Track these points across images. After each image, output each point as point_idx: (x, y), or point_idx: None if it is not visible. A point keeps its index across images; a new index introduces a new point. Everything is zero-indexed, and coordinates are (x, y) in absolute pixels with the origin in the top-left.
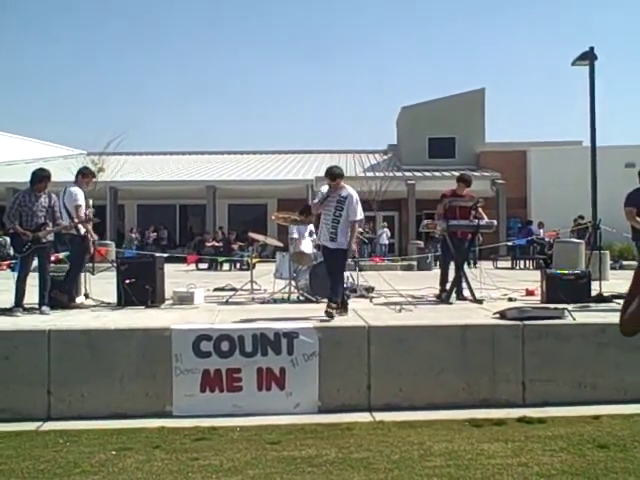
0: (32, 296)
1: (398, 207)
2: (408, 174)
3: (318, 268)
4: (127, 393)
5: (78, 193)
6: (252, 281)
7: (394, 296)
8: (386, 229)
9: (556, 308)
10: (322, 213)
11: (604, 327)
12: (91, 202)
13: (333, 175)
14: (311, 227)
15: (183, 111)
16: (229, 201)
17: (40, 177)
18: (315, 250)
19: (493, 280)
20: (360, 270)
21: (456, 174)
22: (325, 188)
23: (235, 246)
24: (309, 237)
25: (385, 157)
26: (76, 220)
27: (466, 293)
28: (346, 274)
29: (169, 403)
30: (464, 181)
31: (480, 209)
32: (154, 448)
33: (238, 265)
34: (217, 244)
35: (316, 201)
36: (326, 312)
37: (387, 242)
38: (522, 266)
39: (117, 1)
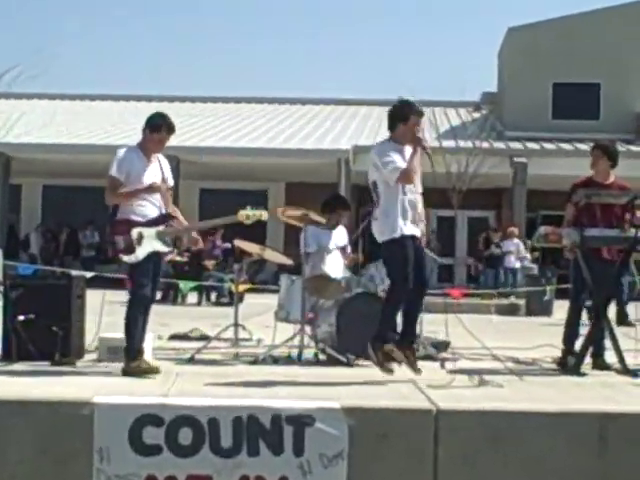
0: None
1: (496, 203)
2: (516, 146)
3: (352, 305)
4: None
5: None
6: (237, 324)
7: (484, 359)
8: (517, 243)
9: None
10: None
11: None
12: None
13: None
14: (341, 233)
15: (128, 31)
16: (201, 184)
17: None
18: (348, 274)
19: None
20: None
21: None
22: (394, 152)
23: (209, 263)
24: (337, 251)
25: (476, 115)
26: None
27: (611, 358)
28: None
29: None
30: (606, 154)
31: (633, 212)
32: None
33: (213, 296)
34: (179, 258)
35: (397, 159)
36: (395, 359)
37: (516, 264)
38: None
39: None
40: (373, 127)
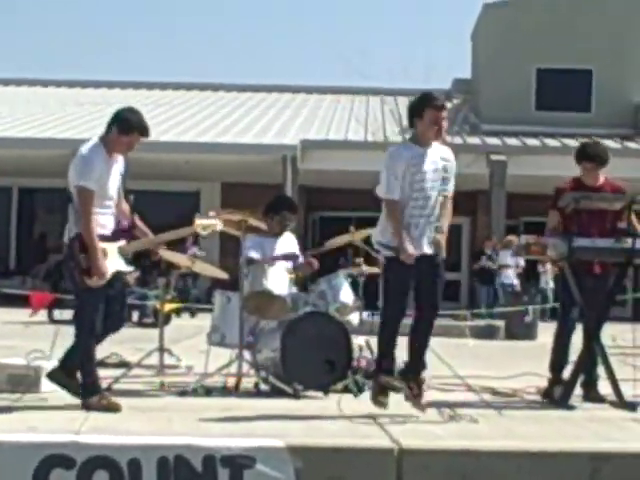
0: None
1: (470, 208)
2: (493, 142)
3: (299, 327)
4: None
5: None
6: (162, 349)
7: (456, 389)
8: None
9: None
10: (405, 194)
11: None
12: None
13: (434, 104)
14: (287, 241)
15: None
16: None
17: None
18: (294, 290)
19: None
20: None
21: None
22: (401, 163)
23: (131, 277)
24: (282, 262)
25: (448, 106)
26: None
27: (605, 388)
28: (359, 341)
29: None
30: (591, 159)
31: (630, 219)
32: None
33: (136, 316)
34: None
35: (392, 179)
36: (409, 393)
37: (514, 281)
38: None
39: None
40: (325, 118)
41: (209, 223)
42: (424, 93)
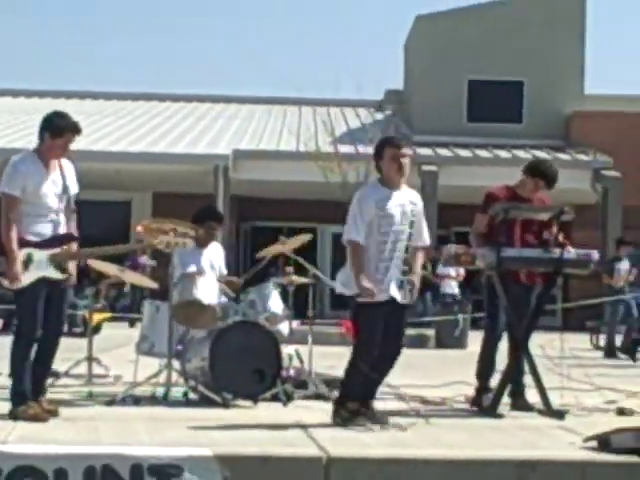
0: None
1: None
2: (424, 152)
3: (228, 336)
4: None
5: None
6: (90, 358)
7: (385, 398)
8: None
9: None
10: (370, 237)
11: None
12: None
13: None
14: (214, 251)
15: None
16: None
17: None
18: (224, 299)
19: (589, 373)
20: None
21: (521, 155)
22: (368, 206)
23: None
24: (211, 272)
25: (378, 117)
26: None
27: (533, 397)
28: (288, 350)
29: None
30: (542, 177)
31: (558, 230)
32: None
33: (65, 326)
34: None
35: (358, 222)
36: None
37: (455, 290)
38: None
39: None
40: (257, 129)
41: (175, 242)
42: (385, 137)
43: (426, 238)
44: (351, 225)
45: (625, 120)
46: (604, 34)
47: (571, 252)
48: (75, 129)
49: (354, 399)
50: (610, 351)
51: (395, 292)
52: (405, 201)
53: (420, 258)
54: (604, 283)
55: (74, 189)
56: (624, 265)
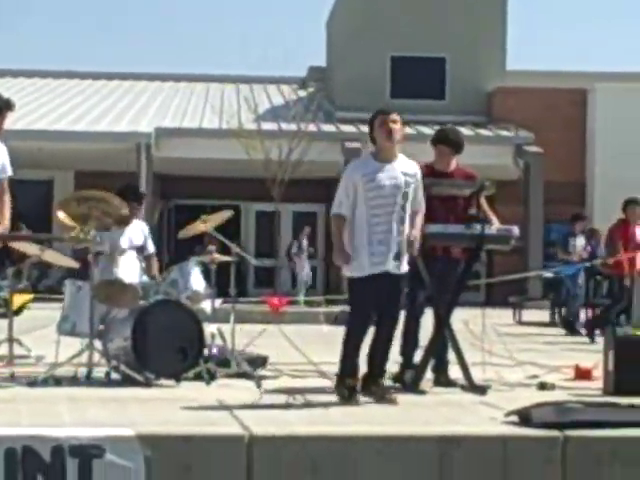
0: None
1: (325, 195)
2: (348, 129)
3: (150, 315)
4: None
5: None
6: (11, 339)
7: (309, 375)
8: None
9: (633, 406)
10: (359, 210)
11: None
12: None
13: (384, 115)
14: (135, 230)
15: None
16: None
17: None
18: (145, 278)
19: (511, 348)
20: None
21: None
22: (354, 178)
23: None
24: (132, 251)
25: (302, 94)
26: None
27: (455, 373)
28: (211, 329)
29: None
30: (449, 144)
31: (485, 203)
32: None
33: None
34: None
35: (342, 195)
36: (371, 392)
37: (308, 269)
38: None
39: None
40: (179, 106)
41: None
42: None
43: (421, 202)
44: (336, 200)
45: (547, 96)
46: (526, 10)
47: (492, 228)
48: (8, 105)
49: (352, 375)
50: (570, 327)
51: (390, 265)
52: (397, 173)
53: (419, 219)
54: (560, 258)
55: (7, 171)
56: (579, 241)
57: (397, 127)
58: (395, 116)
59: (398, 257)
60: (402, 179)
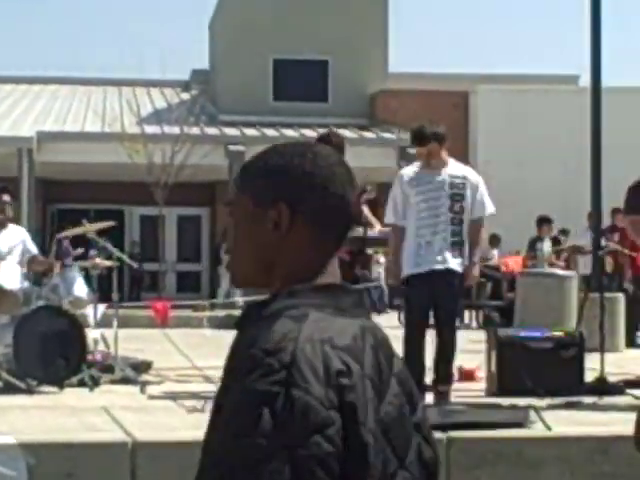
0: None
1: (209, 198)
2: (231, 132)
3: (31, 322)
4: None
5: None
6: None
7: (194, 380)
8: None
9: (515, 406)
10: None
11: (606, 445)
12: None
13: (423, 136)
14: (12, 233)
15: None
16: None
17: None
18: (25, 284)
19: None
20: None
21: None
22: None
23: None
24: (11, 256)
25: (185, 97)
26: None
27: None
28: (94, 335)
29: None
30: (336, 148)
31: (366, 206)
32: None
33: None
34: None
35: (390, 204)
36: (438, 393)
37: None
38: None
39: None
40: (61, 109)
41: None
42: (413, 130)
43: (479, 210)
44: (386, 209)
45: (429, 98)
46: (408, 13)
47: (374, 231)
48: None
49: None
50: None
51: (438, 264)
52: (445, 176)
53: (475, 231)
54: (527, 263)
55: None
56: (546, 245)
57: (430, 150)
58: (422, 150)
59: (449, 253)
60: (449, 181)
